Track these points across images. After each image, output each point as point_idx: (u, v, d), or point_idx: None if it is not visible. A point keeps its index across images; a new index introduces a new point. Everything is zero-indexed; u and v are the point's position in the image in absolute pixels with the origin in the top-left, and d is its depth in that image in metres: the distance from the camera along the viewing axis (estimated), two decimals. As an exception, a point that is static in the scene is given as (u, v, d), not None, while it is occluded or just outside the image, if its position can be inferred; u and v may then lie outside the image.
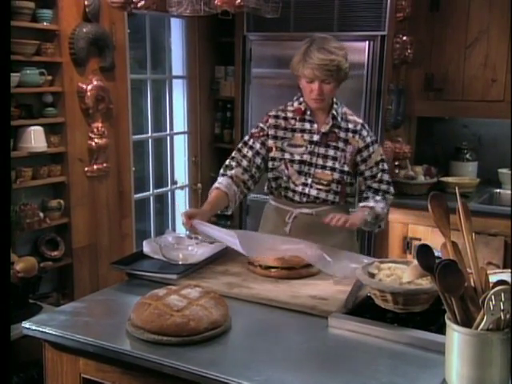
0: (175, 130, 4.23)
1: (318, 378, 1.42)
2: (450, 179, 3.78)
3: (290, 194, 2.43)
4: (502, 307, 1.24)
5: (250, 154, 2.43)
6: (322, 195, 2.40)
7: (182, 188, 4.31)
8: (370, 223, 2.38)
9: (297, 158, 2.40)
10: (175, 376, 1.48)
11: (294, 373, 1.43)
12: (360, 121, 2.46)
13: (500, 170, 3.83)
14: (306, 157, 2.39)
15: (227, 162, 2.47)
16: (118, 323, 1.69)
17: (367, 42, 3.51)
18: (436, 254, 1.37)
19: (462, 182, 3.71)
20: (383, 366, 1.47)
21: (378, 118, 3.58)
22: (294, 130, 2.42)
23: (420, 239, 3.46)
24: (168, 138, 4.22)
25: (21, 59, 2.84)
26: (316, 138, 2.40)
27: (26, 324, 1.71)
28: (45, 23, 2.98)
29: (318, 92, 2.30)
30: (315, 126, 2.41)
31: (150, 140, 4.04)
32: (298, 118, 2.42)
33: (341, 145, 2.40)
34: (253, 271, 2.08)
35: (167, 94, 4.14)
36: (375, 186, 2.44)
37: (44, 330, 1.67)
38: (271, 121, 2.44)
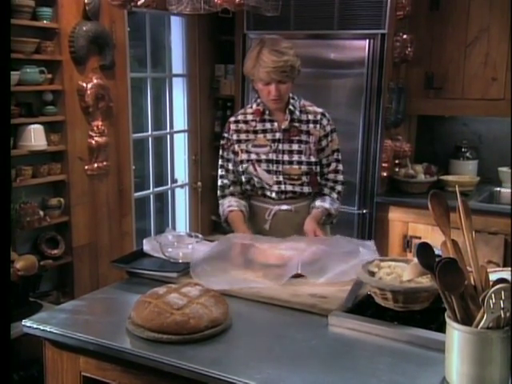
0: (175, 129, 4.23)
1: (318, 375, 1.42)
2: (450, 178, 3.78)
3: (268, 193, 2.49)
4: (502, 305, 1.24)
5: (230, 166, 2.54)
6: (297, 189, 2.47)
7: (182, 186, 4.31)
8: (322, 221, 2.48)
9: (263, 157, 2.45)
10: (175, 374, 1.48)
11: (294, 371, 1.44)
12: (320, 110, 2.49)
13: (500, 169, 3.83)
14: (272, 155, 2.45)
15: (219, 182, 2.58)
16: (118, 321, 1.69)
17: (367, 41, 3.51)
18: (436, 252, 1.37)
19: (462, 181, 3.71)
20: (383, 364, 1.47)
21: (378, 116, 3.57)
22: (255, 132, 2.48)
23: (420, 238, 3.46)
24: (168, 136, 4.21)
25: (21, 57, 2.84)
26: (278, 135, 2.45)
27: (26, 322, 1.71)
28: (45, 21, 2.97)
29: (275, 93, 2.34)
30: (275, 124, 2.45)
31: (150, 138, 4.04)
32: (258, 120, 2.47)
33: (304, 137, 2.45)
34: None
35: (167, 92, 4.14)
36: (332, 176, 2.52)
37: (44, 328, 1.67)
38: (232, 126, 2.51)
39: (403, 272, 1.66)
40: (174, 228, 4.17)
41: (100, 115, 3.32)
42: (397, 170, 3.83)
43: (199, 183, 4.29)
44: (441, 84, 3.70)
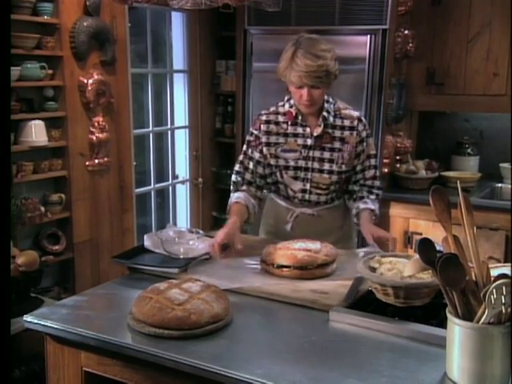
0: (176, 125, 4.23)
1: (319, 371, 1.42)
2: (451, 174, 3.78)
3: (291, 198, 2.43)
4: (503, 301, 1.24)
5: (251, 165, 2.41)
6: (322, 198, 2.39)
7: (182, 182, 4.31)
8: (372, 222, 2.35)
9: (291, 163, 2.35)
10: (176, 369, 1.48)
11: (294, 366, 1.43)
12: (356, 114, 2.37)
13: (501, 165, 3.83)
14: (301, 162, 2.34)
15: (233, 177, 2.45)
16: (119, 317, 1.69)
17: (369, 36, 3.50)
18: (437, 248, 1.37)
19: (464, 177, 3.70)
20: (384, 360, 1.47)
21: (379, 112, 3.57)
22: (286, 135, 2.35)
23: (421, 233, 3.46)
24: (169, 132, 4.21)
25: (21, 53, 2.84)
26: (310, 141, 2.33)
27: (27, 317, 1.71)
28: (45, 17, 2.97)
29: (307, 98, 2.21)
30: (308, 129, 2.33)
31: (150, 134, 4.04)
32: (289, 123, 2.35)
33: (337, 145, 2.33)
34: (265, 269, 2.02)
35: (168, 88, 4.14)
36: (369, 183, 2.41)
37: (45, 323, 1.68)
38: (263, 127, 2.38)
39: (404, 268, 1.66)
40: (174, 224, 4.17)
41: (101, 111, 3.32)
42: (398, 165, 3.83)
43: (200, 179, 4.29)
44: (442, 80, 3.69)
